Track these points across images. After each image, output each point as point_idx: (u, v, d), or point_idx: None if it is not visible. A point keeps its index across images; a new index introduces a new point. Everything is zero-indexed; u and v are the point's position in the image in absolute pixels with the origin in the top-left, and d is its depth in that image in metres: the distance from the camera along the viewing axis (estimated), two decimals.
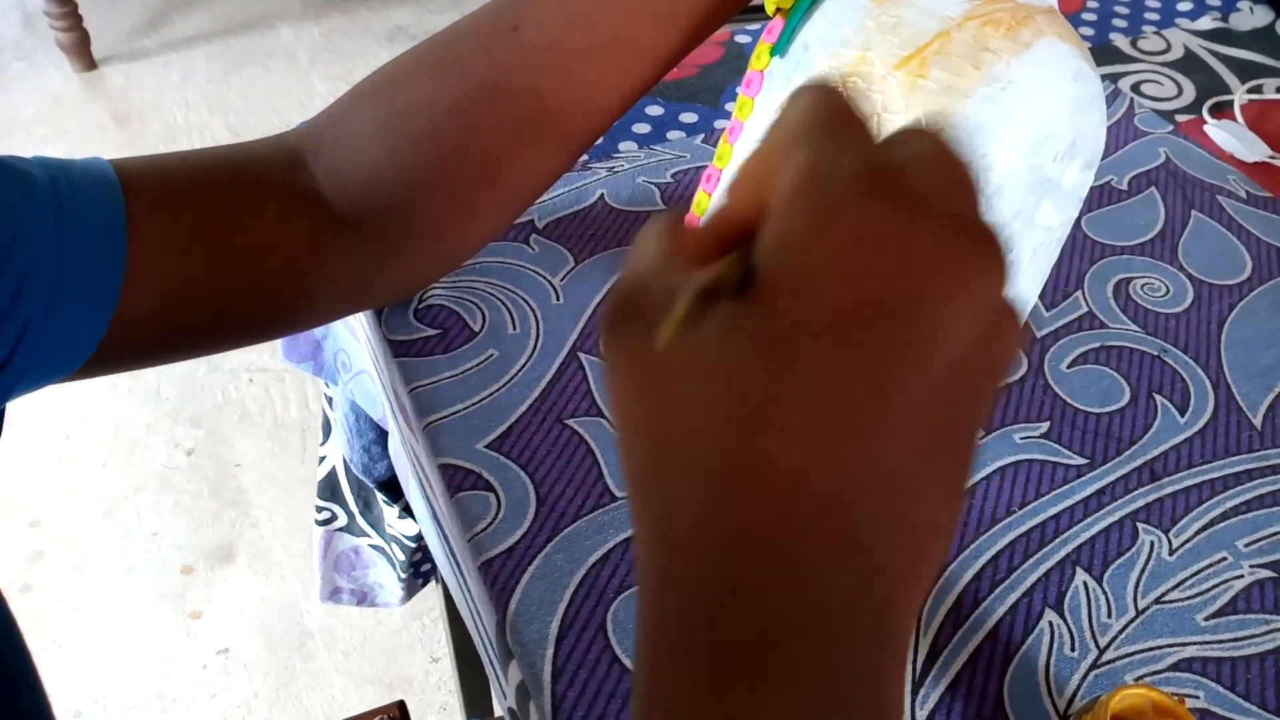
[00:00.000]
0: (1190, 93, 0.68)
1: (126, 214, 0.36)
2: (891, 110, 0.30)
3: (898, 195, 0.18)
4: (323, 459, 0.75)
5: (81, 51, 2.20)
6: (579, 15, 0.38)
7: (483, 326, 0.49)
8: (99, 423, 1.49)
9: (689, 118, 0.63)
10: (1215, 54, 0.72)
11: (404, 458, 0.53)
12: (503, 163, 0.40)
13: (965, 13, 0.29)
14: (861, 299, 0.17)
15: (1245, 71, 0.70)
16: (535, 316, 0.50)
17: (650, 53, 0.39)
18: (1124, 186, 0.60)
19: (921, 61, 0.29)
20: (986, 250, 0.18)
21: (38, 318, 0.35)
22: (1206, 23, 0.75)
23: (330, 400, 0.70)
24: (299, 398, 1.53)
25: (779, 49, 0.36)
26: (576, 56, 0.38)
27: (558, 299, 0.51)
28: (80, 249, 0.35)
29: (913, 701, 0.37)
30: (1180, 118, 0.66)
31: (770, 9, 0.36)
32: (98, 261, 0.36)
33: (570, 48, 0.38)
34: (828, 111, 0.20)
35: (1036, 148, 0.30)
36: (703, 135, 0.62)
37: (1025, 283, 0.36)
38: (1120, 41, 0.72)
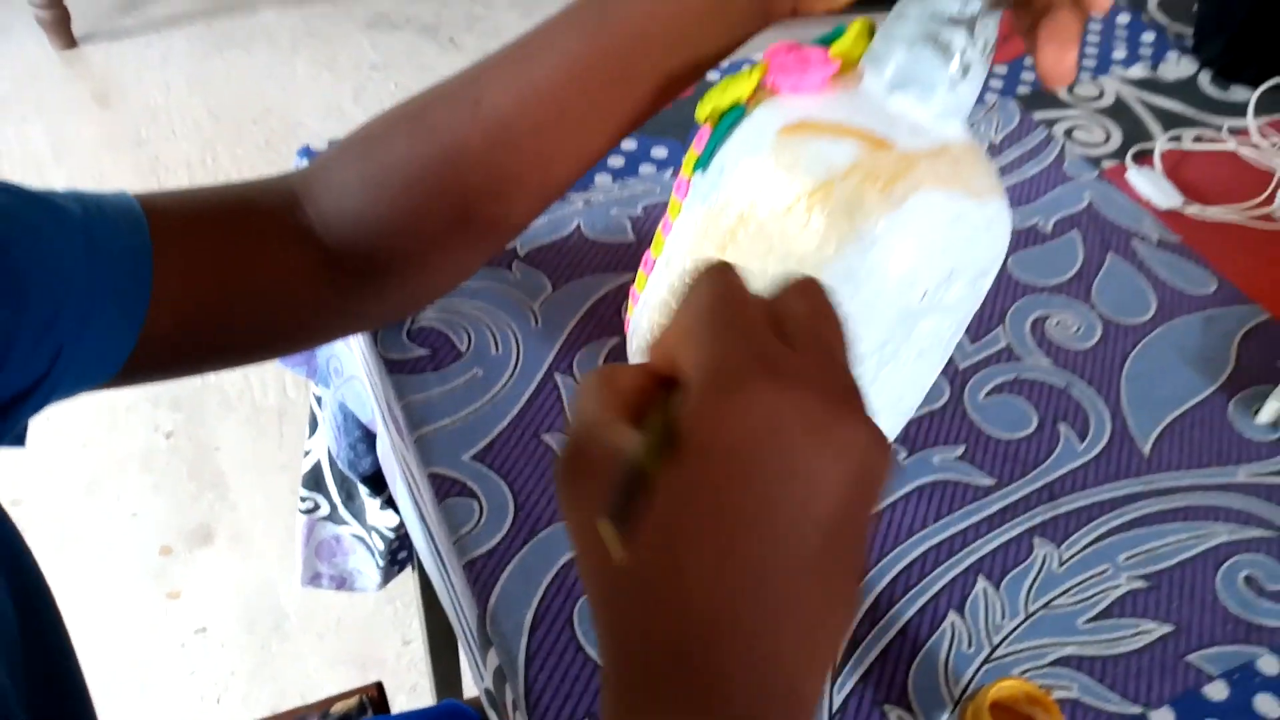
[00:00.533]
0: (1117, 139, 0.75)
1: (151, 244, 0.41)
2: (777, 249, 0.35)
3: (774, 386, 0.24)
4: (308, 452, 0.80)
5: (61, 29, 2.21)
6: (531, 95, 0.42)
7: (468, 347, 0.55)
8: (80, 404, 1.52)
9: (660, 152, 0.68)
10: (1143, 102, 0.78)
11: (394, 463, 0.59)
12: (467, 219, 0.45)
13: (851, 163, 0.33)
14: (749, 470, 0.23)
15: (1168, 121, 0.77)
16: (516, 339, 0.55)
17: (596, 130, 0.43)
18: (1049, 229, 0.66)
19: (807, 208, 0.34)
20: (847, 417, 0.24)
21: (71, 337, 0.38)
22: (1138, 71, 0.82)
23: (319, 400, 0.75)
24: (277, 384, 1.57)
25: (701, 164, 0.40)
26: (529, 132, 0.42)
27: (536, 323, 0.56)
28: (110, 275, 0.39)
29: (831, 687, 0.43)
30: (1106, 163, 0.72)
31: (700, 117, 0.40)
32: (126, 286, 0.40)
33: (523, 124, 0.42)
34: (722, 300, 0.26)
35: (902, 292, 0.34)
36: (672, 169, 0.67)
37: (920, 375, 0.41)
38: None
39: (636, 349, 0.48)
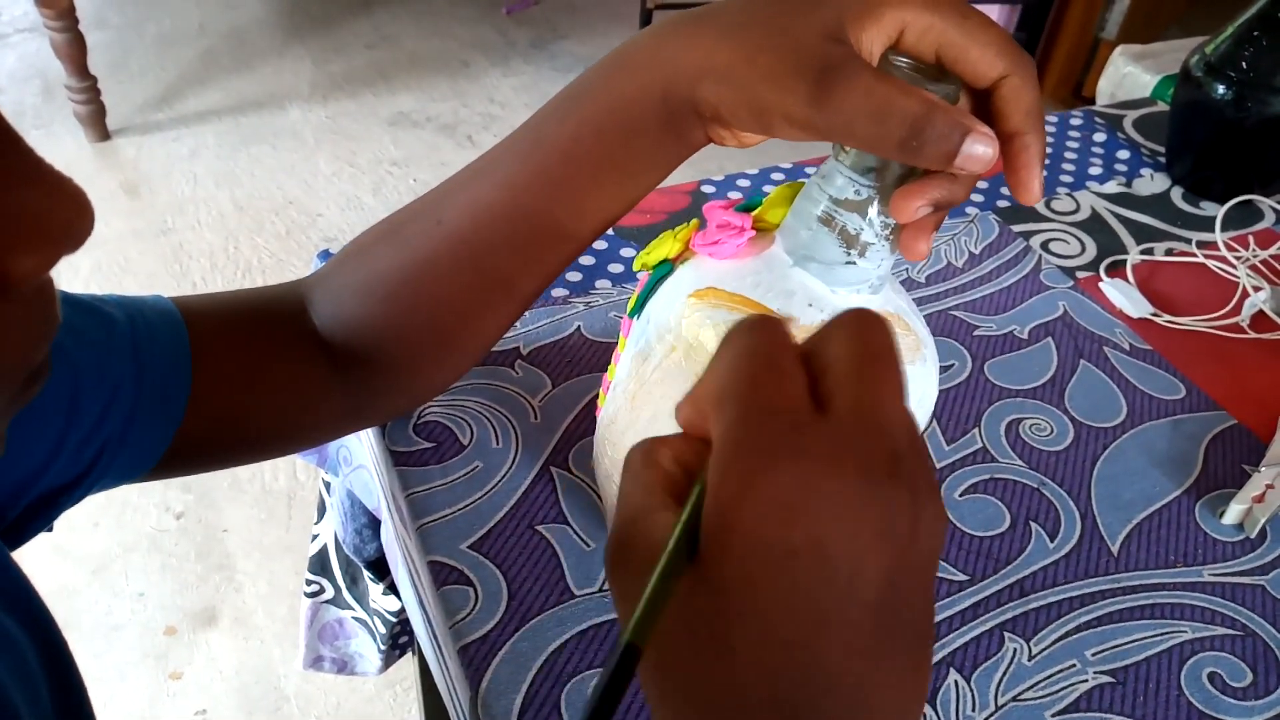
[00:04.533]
0: (1092, 251, 0.79)
1: (190, 349, 0.44)
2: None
3: (805, 459, 0.22)
4: (315, 536, 0.83)
5: (97, 122, 2.31)
6: (483, 213, 0.45)
7: (470, 440, 0.58)
8: None
9: None
10: (1117, 216, 0.83)
11: (396, 549, 0.61)
12: (445, 328, 0.48)
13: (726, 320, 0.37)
14: (785, 551, 0.22)
15: (1140, 233, 0.81)
16: (515, 433, 0.59)
17: (545, 248, 0.45)
18: (1025, 336, 0.70)
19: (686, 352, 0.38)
20: (884, 490, 0.22)
21: (116, 436, 0.41)
22: (1113, 186, 0.86)
23: (328, 486, 0.78)
24: (288, 468, 1.60)
25: (634, 311, 0.43)
26: (485, 251, 0.45)
27: (535, 418, 0.60)
28: (152, 378, 0.42)
29: None
30: (1081, 274, 0.76)
31: (636, 268, 0.44)
32: (166, 388, 0.43)
33: (476, 243, 0.45)
34: (751, 361, 0.24)
35: None
36: None
37: None
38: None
39: (603, 475, 0.50)
